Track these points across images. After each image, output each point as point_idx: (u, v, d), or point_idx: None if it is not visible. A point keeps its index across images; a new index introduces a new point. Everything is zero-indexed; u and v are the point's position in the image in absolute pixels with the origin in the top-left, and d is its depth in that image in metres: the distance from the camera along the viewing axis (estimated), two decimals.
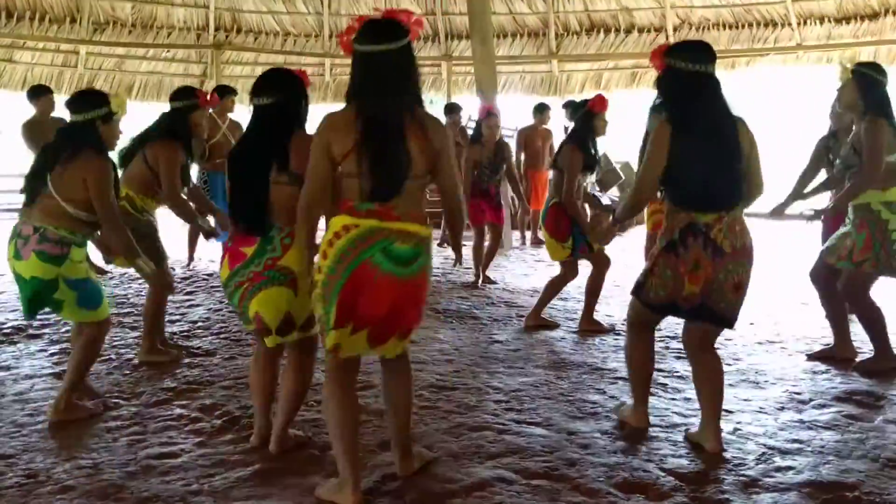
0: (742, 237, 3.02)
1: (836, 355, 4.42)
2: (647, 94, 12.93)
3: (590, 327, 5.23)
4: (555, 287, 5.36)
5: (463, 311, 5.86)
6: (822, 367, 4.31)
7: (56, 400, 3.53)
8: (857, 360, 4.36)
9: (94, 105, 3.58)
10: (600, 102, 5.18)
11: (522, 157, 9.52)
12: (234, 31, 12.28)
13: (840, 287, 4.32)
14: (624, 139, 9.32)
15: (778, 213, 4.92)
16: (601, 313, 5.74)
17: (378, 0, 12.46)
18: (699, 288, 3.01)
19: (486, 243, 7.07)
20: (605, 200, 10.34)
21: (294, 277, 2.93)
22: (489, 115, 6.82)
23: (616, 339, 4.97)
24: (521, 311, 5.76)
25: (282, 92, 3.05)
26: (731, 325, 3.14)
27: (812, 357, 4.49)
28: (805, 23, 11.47)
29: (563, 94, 12.59)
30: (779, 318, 5.51)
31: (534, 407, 3.67)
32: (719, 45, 11.97)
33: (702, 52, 3.09)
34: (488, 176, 6.87)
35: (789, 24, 11.50)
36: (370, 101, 2.60)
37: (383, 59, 2.61)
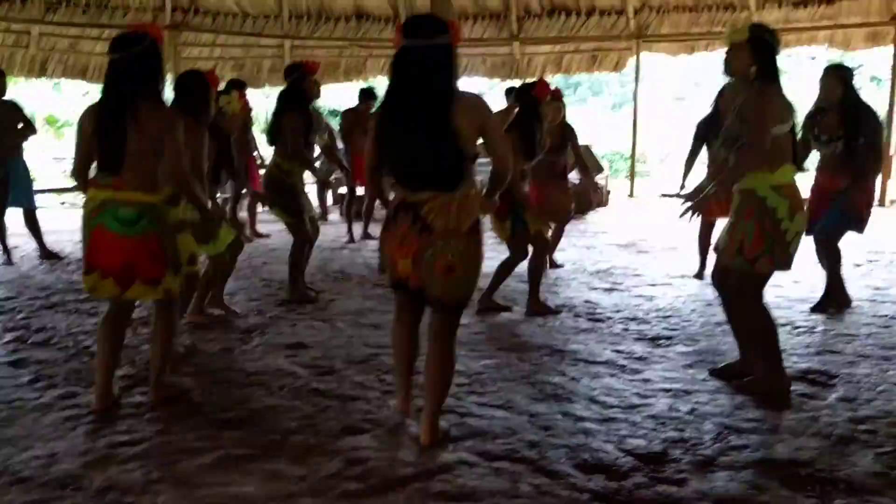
0: (459, 218, 2.84)
1: (741, 369, 3.86)
2: (608, 77, 13.02)
3: (537, 308, 5.27)
4: (505, 269, 5.38)
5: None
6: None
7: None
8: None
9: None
10: (544, 88, 5.24)
11: None
12: (191, 12, 12.07)
13: (733, 293, 3.73)
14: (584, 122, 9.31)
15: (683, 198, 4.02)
16: (562, 295, 5.80)
17: None
18: (410, 265, 2.91)
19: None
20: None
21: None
22: (554, 99, 6.39)
23: (576, 321, 5.02)
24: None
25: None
26: (452, 311, 2.99)
27: (713, 372, 3.93)
28: (763, 6, 11.62)
29: (524, 77, 12.60)
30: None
31: (495, 389, 3.70)
32: (680, 27, 12.12)
33: (411, 27, 2.90)
34: (552, 158, 6.50)
35: (748, 8, 11.64)
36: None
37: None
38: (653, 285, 6.12)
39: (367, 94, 8.65)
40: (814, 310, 5.19)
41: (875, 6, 10.91)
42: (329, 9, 12.63)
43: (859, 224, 5.15)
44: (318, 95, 5.85)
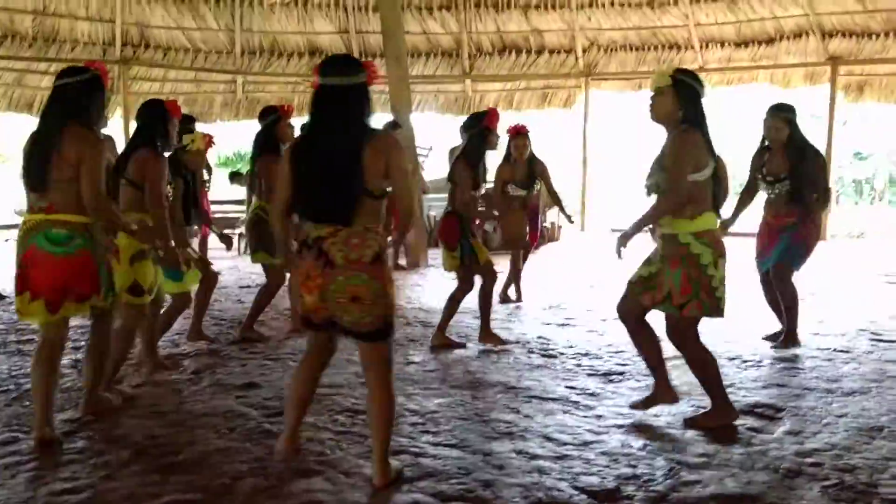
0: (361, 251, 2.88)
1: (658, 401, 3.85)
2: (557, 113, 13.27)
3: (489, 340, 5.31)
4: (454, 302, 5.40)
5: (400, 336, 5.82)
6: (726, 381, 4.45)
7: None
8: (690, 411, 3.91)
9: None
10: (494, 118, 5.33)
11: None
12: (141, 47, 11.97)
13: (666, 332, 3.70)
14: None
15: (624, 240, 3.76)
16: (515, 331, 5.82)
17: (292, 19, 12.37)
18: (317, 299, 2.93)
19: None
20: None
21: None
22: (517, 135, 6.78)
23: (529, 357, 5.04)
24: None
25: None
26: (371, 339, 2.97)
27: (635, 406, 3.91)
28: (707, 46, 11.98)
29: None
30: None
31: (449, 428, 3.68)
32: (627, 66, 12.41)
33: (326, 66, 3.02)
34: (521, 194, 6.80)
35: (692, 47, 12.00)
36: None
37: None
38: (604, 320, 6.18)
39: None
40: (775, 347, 5.19)
41: (812, 47, 11.32)
42: (282, 45, 12.65)
43: (802, 260, 5.19)
44: (291, 138, 5.83)
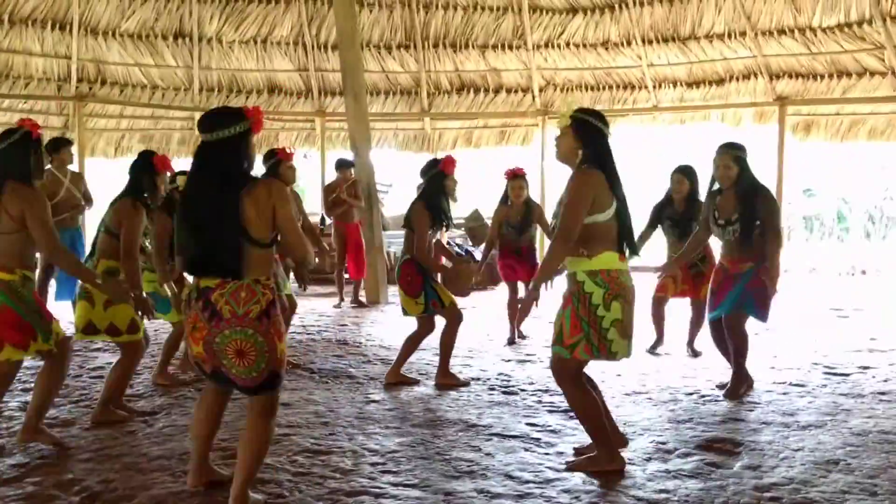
0: (248, 305, 2.89)
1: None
2: (515, 151, 13.42)
3: (446, 381, 5.30)
4: (413, 343, 5.41)
5: (339, 371, 5.79)
6: (685, 416, 4.50)
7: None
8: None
9: None
10: (450, 164, 5.37)
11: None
12: (97, 83, 11.86)
13: (551, 369, 3.70)
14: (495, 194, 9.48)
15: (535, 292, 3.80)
16: (476, 367, 5.82)
17: (251, 56, 12.38)
18: (202, 349, 2.96)
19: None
20: (477, 254, 10.58)
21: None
22: (514, 177, 6.81)
23: (490, 394, 5.03)
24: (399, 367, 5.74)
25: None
26: (255, 392, 3.00)
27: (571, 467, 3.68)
28: (660, 86, 12.26)
29: (435, 151, 12.88)
30: (644, 369, 5.73)
31: (410, 468, 3.65)
32: (583, 105, 12.59)
33: (202, 121, 3.08)
34: (515, 236, 6.90)
35: (646, 87, 12.26)
36: None
37: None
38: None
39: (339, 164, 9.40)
40: (727, 396, 4.88)
41: (761, 88, 11.64)
42: (240, 82, 12.64)
43: (763, 310, 4.90)
44: (293, 180, 6.07)
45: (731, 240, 4.93)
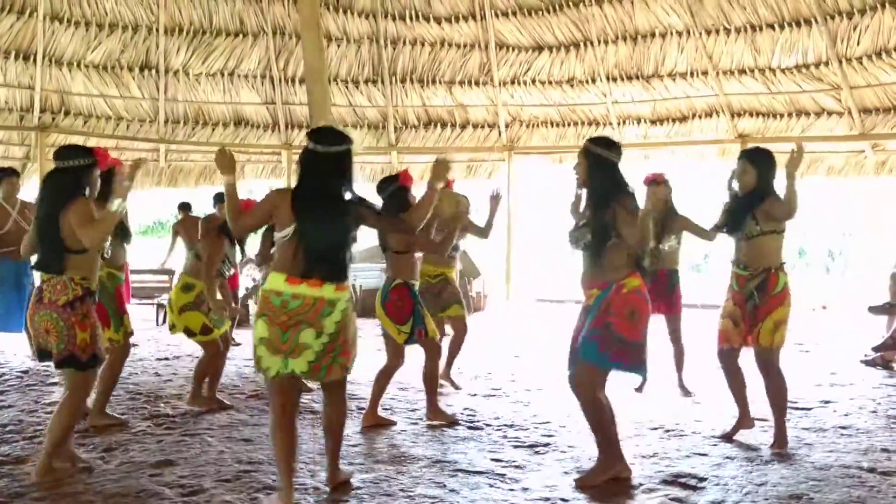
0: (58, 295, 3.79)
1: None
2: (482, 185, 13.50)
3: (437, 418, 5.17)
4: (384, 378, 5.19)
5: (301, 406, 5.68)
6: (650, 450, 4.50)
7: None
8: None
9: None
10: (408, 178, 5.16)
11: None
12: (61, 114, 11.75)
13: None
14: None
15: None
16: (441, 402, 5.76)
17: (218, 89, 12.36)
18: (30, 325, 4.02)
19: None
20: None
21: None
22: (655, 183, 5.96)
23: (455, 430, 4.99)
24: (360, 404, 5.65)
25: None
26: (59, 365, 3.88)
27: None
28: (624, 123, 12.46)
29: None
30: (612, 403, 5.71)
31: None
32: (548, 141, 12.78)
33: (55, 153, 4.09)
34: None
35: (610, 124, 12.47)
36: None
37: None
38: (529, 391, 6.19)
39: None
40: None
41: (723, 125, 11.90)
42: (207, 114, 12.60)
43: (619, 355, 3.85)
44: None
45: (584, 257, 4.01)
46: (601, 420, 3.89)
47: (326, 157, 3.65)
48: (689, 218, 5.95)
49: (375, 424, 5.08)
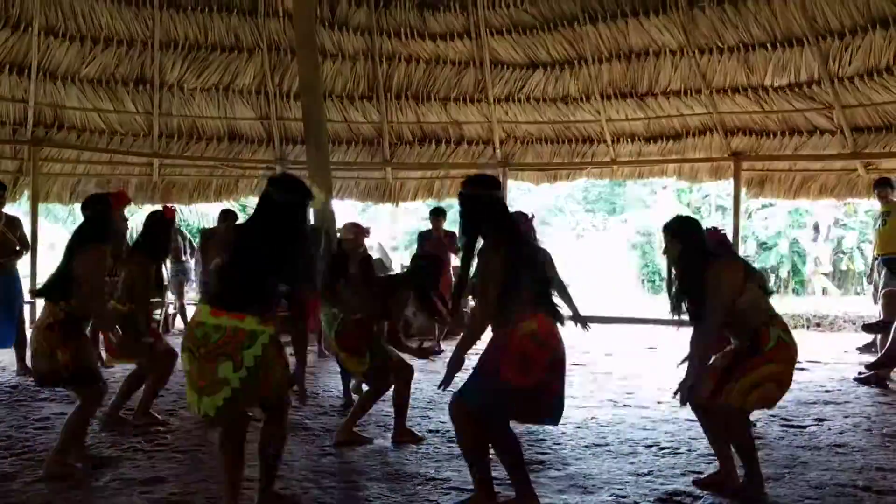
0: (44, 319, 4.29)
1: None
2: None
3: (402, 438, 5.11)
4: (370, 399, 5.17)
5: (294, 423, 5.64)
6: (645, 468, 4.47)
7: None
8: None
9: None
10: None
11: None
12: (54, 128, 11.72)
13: None
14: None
15: None
16: (435, 420, 5.73)
17: (212, 104, 12.35)
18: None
19: None
20: None
21: None
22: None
23: (449, 447, 4.96)
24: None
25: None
26: (41, 384, 4.64)
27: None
28: (618, 140, 12.50)
29: (396, 201, 12.93)
30: (604, 422, 5.70)
31: None
32: (542, 158, 12.81)
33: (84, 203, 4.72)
34: None
35: (605, 141, 12.49)
36: None
37: None
38: None
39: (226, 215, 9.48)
40: None
41: (717, 143, 11.93)
42: (201, 129, 12.58)
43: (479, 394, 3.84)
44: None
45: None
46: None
47: (280, 205, 3.51)
48: None
49: (348, 441, 5.03)
